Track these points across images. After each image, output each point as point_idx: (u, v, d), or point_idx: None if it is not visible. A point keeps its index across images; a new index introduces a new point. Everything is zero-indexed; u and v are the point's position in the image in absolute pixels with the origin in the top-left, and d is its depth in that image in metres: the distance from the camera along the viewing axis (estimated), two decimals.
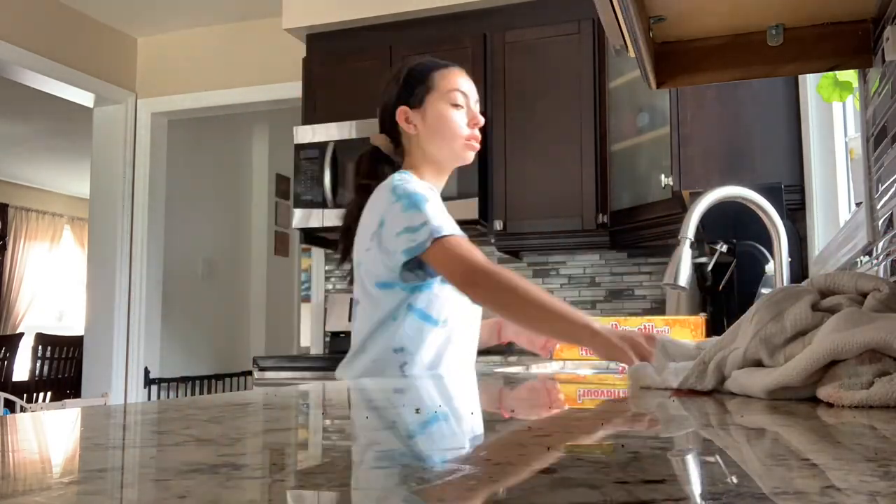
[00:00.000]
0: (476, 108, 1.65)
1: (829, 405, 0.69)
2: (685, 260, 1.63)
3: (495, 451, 0.55)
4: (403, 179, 1.53)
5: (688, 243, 1.64)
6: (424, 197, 1.49)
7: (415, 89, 1.61)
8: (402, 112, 1.60)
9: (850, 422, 0.61)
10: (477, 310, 1.63)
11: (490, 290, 1.45)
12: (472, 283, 1.45)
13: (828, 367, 0.71)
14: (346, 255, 1.69)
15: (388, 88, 1.65)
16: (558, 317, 1.39)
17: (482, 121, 1.64)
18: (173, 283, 4.84)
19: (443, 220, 1.48)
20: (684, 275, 1.64)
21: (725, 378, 0.83)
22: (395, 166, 1.64)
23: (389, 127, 1.64)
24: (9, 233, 8.21)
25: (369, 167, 1.65)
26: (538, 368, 1.98)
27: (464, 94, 1.62)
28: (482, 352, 1.79)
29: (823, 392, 0.69)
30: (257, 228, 5.67)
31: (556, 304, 1.41)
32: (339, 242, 1.72)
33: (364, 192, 1.63)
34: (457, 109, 1.61)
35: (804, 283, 0.86)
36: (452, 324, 1.57)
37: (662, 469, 0.46)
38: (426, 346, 1.54)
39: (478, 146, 1.64)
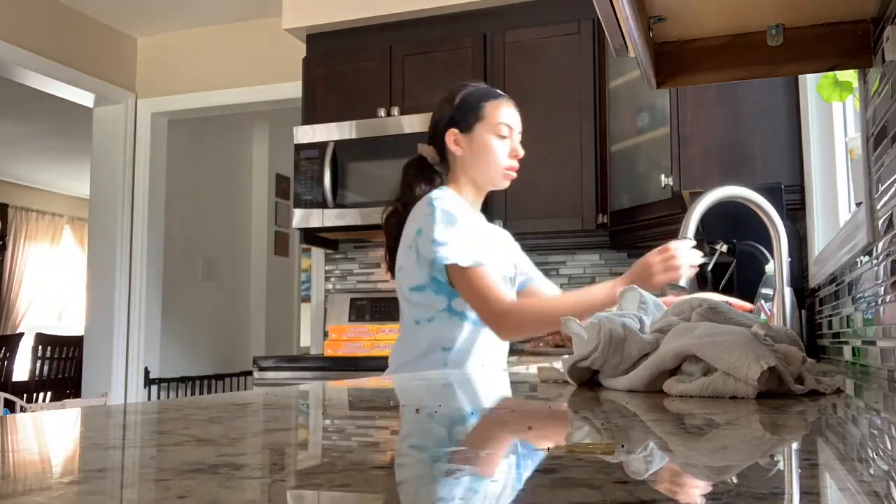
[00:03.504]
0: (518, 139, 1.80)
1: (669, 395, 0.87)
2: None
3: (495, 451, 0.55)
4: (442, 196, 1.70)
5: (688, 243, 1.64)
6: (455, 218, 1.67)
7: (467, 115, 1.77)
8: (451, 134, 1.78)
9: (676, 405, 0.80)
10: None
11: (514, 329, 1.66)
12: (493, 323, 1.65)
13: (678, 367, 0.90)
14: (392, 266, 1.84)
15: (442, 107, 1.82)
16: (588, 307, 1.53)
17: (521, 153, 1.80)
18: (173, 283, 4.84)
19: (464, 247, 1.65)
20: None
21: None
22: (439, 176, 1.82)
23: (438, 142, 1.81)
24: (9, 233, 8.21)
25: (416, 172, 1.82)
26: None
27: (509, 126, 1.78)
28: None
29: (665, 384, 0.89)
30: (257, 228, 5.67)
31: (581, 299, 1.62)
32: (385, 256, 1.88)
33: (408, 193, 1.80)
34: (501, 140, 1.77)
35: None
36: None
37: (662, 469, 0.46)
38: (462, 342, 1.71)
39: (514, 175, 1.81)
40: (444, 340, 1.71)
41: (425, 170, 1.82)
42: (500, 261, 1.80)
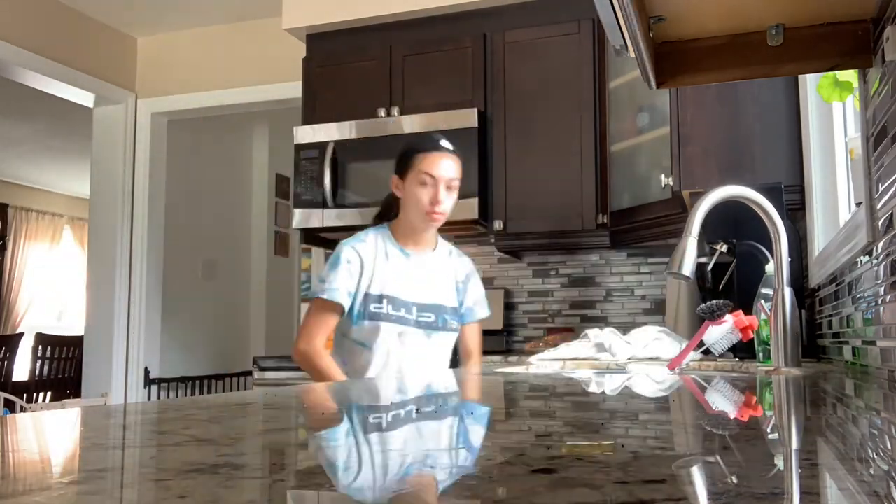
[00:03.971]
0: (443, 187, 2.01)
1: None
2: (690, 251, 1.63)
3: (494, 451, 0.55)
4: (350, 241, 2.05)
5: (693, 239, 1.64)
6: (337, 261, 2.00)
7: (403, 164, 2.05)
8: (394, 179, 2.08)
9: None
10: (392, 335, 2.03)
11: (301, 363, 2.07)
12: (294, 347, 2.09)
13: None
14: None
15: (399, 155, 2.10)
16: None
17: (442, 202, 2.01)
18: (173, 283, 4.84)
19: (329, 286, 1.98)
20: (689, 265, 1.63)
21: None
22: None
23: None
24: (9, 233, 8.21)
25: (385, 205, 2.16)
26: (537, 368, 1.98)
27: (432, 176, 2.00)
28: (484, 352, 2.11)
29: None
30: (257, 228, 5.67)
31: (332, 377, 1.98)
32: None
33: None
34: (423, 188, 2.00)
35: None
36: (378, 348, 2.02)
37: (662, 469, 0.46)
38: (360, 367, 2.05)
39: (439, 219, 2.04)
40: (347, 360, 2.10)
41: (391, 203, 2.13)
42: (410, 291, 2.04)
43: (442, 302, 2.08)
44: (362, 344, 2.02)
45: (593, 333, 2.29)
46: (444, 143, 2.06)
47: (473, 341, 2.21)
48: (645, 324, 3.36)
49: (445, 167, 2.02)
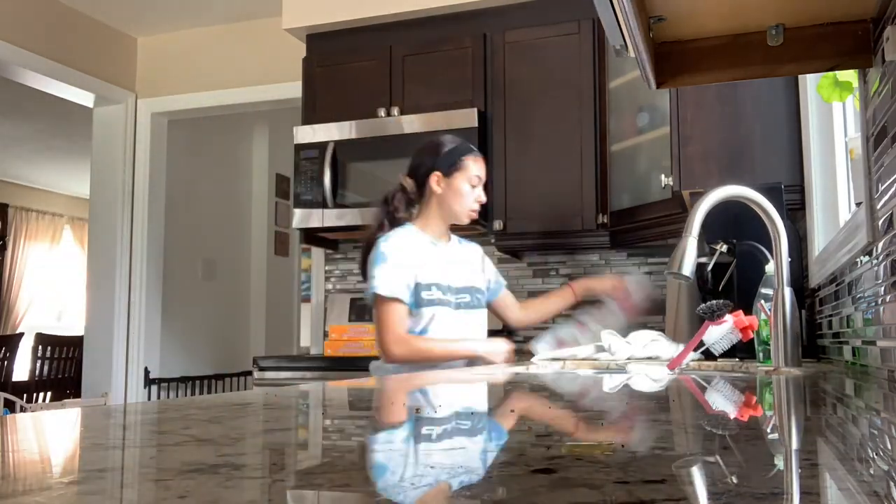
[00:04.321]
0: (480, 187, 2.26)
1: None
2: (690, 251, 1.63)
3: (494, 451, 0.55)
4: (387, 237, 2.16)
5: (693, 238, 1.64)
6: (384, 256, 2.12)
7: (449, 163, 2.22)
8: (434, 176, 2.22)
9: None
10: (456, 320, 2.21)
11: (403, 357, 2.11)
12: (385, 353, 2.13)
13: None
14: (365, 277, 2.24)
15: (428, 153, 2.26)
16: (456, 355, 2.14)
17: (484, 200, 2.28)
18: (173, 283, 4.84)
19: (383, 280, 2.10)
20: (689, 265, 1.63)
21: None
22: (413, 205, 2.28)
23: (420, 178, 2.25)
24: (9, 233, 8.21)
25: (396, 201, 2.27)
26: (537, 369, 1.99)
27: (479, 178, 2.26)
28: None
29: None
30: (257, 228, 5.66)
31: (452, 350, 2.14)
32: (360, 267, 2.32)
33: (390, 221, 2.24)
34: (471, 188, 2.24)
35: None
36: (434, 334, 2.16)
37: (662, 469, 0.46)
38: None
39: (476, 216, 2.28)
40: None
41: (405, 201, 2.27)
42: (449, 277, 2.21)
43: (472, 283, 2.30)
44: (422, 331, 2.16)
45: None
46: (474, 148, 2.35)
47: (514, 303, 2.51)
48: (645, 324, 3.37)
49: (484, 170, 2.30)
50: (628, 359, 2.11)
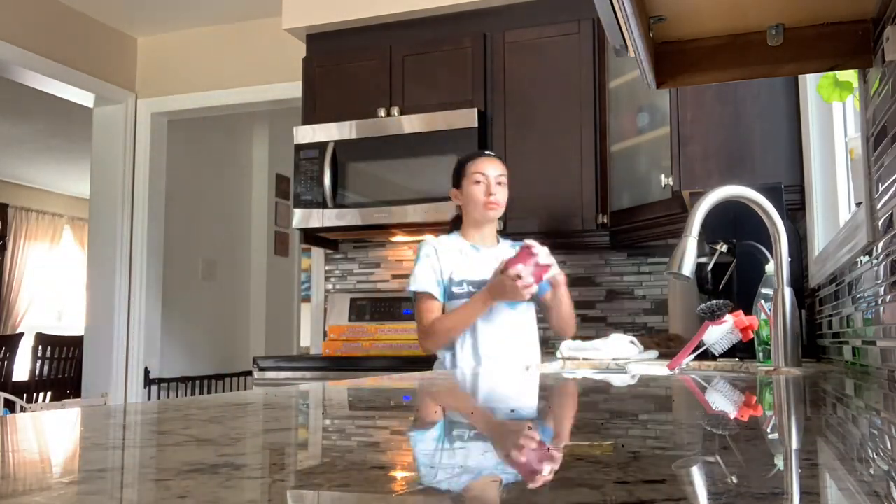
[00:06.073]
0: (494, 182, 2.40)
1: None
2: (690, 251, 1.63)
3: (495, 450, 0.55)
4: (427, 242, 2.45)
5: (693, 238, 1.63)
6: (418, 258, 2.40)
7: (457, 176, 2.46)
8: (453, 192, 2.49)
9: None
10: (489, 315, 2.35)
11: (433, 343, 2.37)
12: (420, 346, 2.43)
13: None
14: None
15: (452, 173, 2.50)
16: (470, 314, 2.30)
17: (495, 192, 2.40)
18: (173, 283, 4.83)
19: (416, 277, 2.37)
20: (689, 265, 1.63)
21: None
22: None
23: (452, 198, 2.53)
24: (9, 233, 8.21)
25: (453, 222, 2.56)
26: (538, 369, 1.99)
27: (483, 174, 2.40)
28: None
29: None
30: (257, 228, 5.66)
31: (466, 310, 2.30)
32: None
33: (449, 233, 2.52)
34: (478, 185, 2.40)
35: None
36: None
37: (662, 469, 0.46)
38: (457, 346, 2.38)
39: (496, 207, 2.41)
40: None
41: (457, 216, 2.54)
42: (485, 275, 2.34)
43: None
44: None
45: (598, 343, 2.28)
46: (487, 151, 2.61)
47: None
48: (645, 324, 3.37)
49: (492, 167, 2.43)
50: (628, 359, 2.11)
